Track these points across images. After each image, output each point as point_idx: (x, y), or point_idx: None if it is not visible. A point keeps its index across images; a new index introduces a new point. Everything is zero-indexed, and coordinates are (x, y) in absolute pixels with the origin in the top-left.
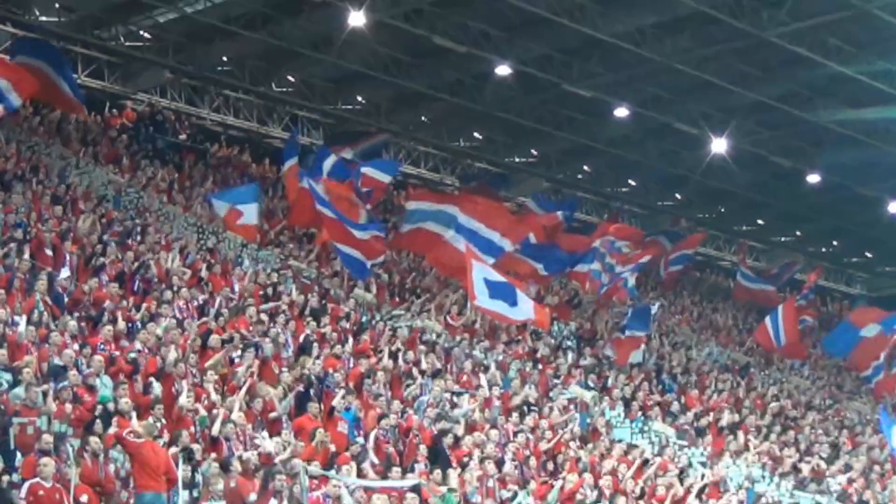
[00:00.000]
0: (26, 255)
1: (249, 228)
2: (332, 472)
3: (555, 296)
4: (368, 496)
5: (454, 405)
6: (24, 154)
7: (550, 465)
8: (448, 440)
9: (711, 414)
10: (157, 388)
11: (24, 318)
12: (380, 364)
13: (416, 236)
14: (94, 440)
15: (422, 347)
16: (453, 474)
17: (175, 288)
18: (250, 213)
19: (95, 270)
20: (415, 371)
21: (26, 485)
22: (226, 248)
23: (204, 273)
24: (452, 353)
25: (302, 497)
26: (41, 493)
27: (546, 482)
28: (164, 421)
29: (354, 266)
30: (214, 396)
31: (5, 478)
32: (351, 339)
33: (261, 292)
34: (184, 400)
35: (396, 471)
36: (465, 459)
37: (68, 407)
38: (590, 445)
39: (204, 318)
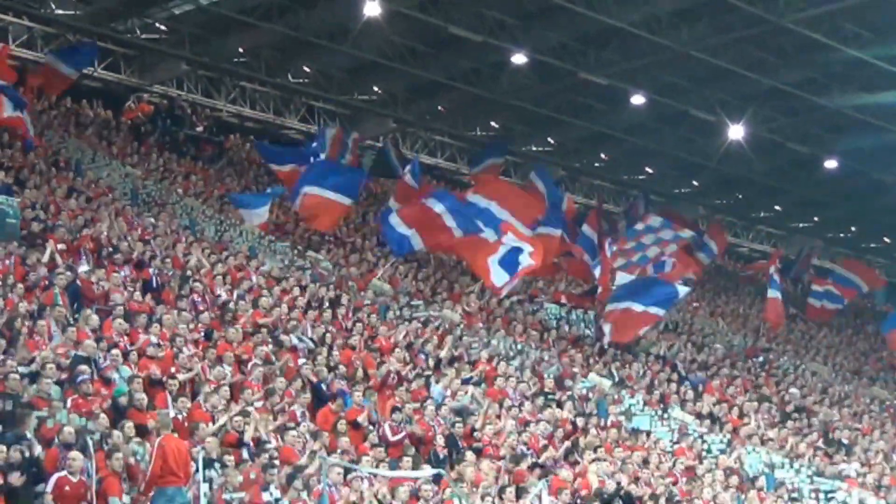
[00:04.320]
0: (46, 253)
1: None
2: (353, 464)
3: (578, 287)
4: (391, 487)
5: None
6: (40, 148)
7: (572, 457)
8: (462, 430)
9: (729, 401)
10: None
11: None
12: (397, 355)
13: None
14: (116, 434)
15: (435, 339)
16: (467, 465)
17: (192, 281)
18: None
19: (113, 264)
20: (430, 362)
21: (53, 478)
22: (242, 240)
23: (220, 269)
24: (468, 341)
25: (323, 489)
26: (67, 487)
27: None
28: (185, 413)
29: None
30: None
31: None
32: (367, 331)
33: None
34: (210, 399)
35: (406, 461)
36: (480, 448)
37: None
38: (611, 433)
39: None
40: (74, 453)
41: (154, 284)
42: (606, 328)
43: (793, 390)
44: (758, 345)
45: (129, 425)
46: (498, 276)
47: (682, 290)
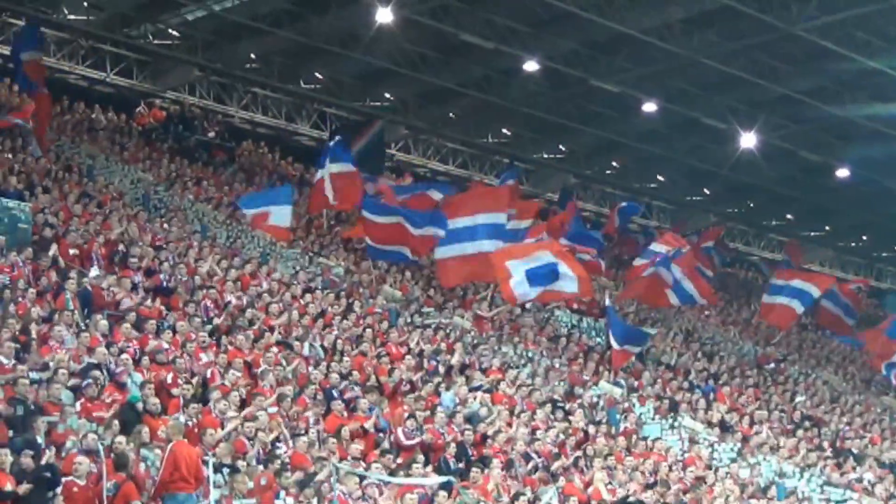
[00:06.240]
0: (50, 253)
1: (280, 230)
2: (363, 470)
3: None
4: (400, 494)
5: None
6: (52, 153)
7: (581, 463)
8: (472, 438)
9: (740, 410)
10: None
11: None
12: (408, 362)
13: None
14: (118, 440)
15: (444, 346)
16: (478, 472)
17: (204, 288)
18: (282, 215)
19: (126, 268)
20: (441, 369)
21: (62, 482)
22: (254, 246)
23: (232, 275)
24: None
25: (333, 495)
26: (75, 489)
27: (572, 481)
28: (196, 419)
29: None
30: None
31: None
32: (379, 338)
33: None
34: (219, 404)
35: (417, 467)
36: (490, 456)
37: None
38: (621, 441)
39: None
40: (80, 458)
41: (164, 290)
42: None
43: (799, 397)
44: (769, 352)
45: (144, 430)
46: (519, 286)
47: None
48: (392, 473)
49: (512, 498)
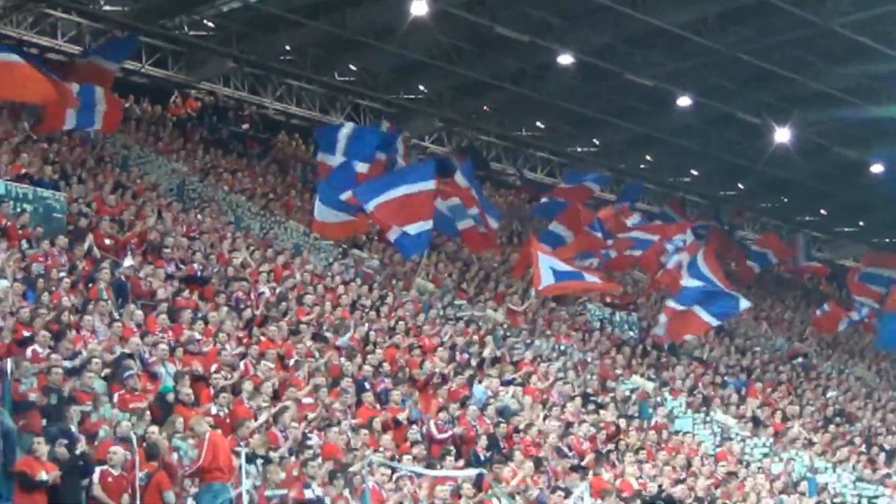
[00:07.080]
0: (86, 244)
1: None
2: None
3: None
4: (432, 486)
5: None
6: (87, 144)
7: (613, 456)
8: (503, 431)
9: (772, 405)
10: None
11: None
12: (440, 354)
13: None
14: (151, 429)
15: (476, 338)
16: (508, 466)
17: (238, 279)
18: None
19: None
20: (473, 362)
21: (97, 471)
22: (287, 237)
23: (265, 267)
24: (511, 342)
25: (366, 486)
26: (110, 479)
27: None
28: (228, 410)
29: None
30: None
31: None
32: (411, 330)
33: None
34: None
35: (450, 460)
36: (520, 450)
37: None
38: (653, 435)
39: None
40: (115, 447)
41: (198, 280)
42: (661, 321)
43: (832, 393)
44: (797, 347)
45: (179, 421)
46: (545, 276)
47: (743, 303)
48: (428, 466)
49: (550, 491)
